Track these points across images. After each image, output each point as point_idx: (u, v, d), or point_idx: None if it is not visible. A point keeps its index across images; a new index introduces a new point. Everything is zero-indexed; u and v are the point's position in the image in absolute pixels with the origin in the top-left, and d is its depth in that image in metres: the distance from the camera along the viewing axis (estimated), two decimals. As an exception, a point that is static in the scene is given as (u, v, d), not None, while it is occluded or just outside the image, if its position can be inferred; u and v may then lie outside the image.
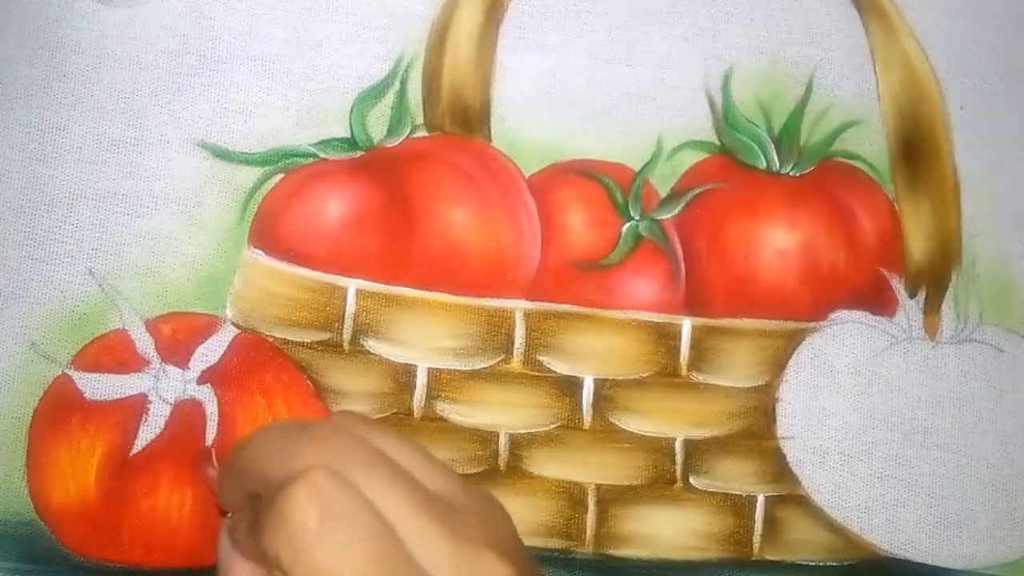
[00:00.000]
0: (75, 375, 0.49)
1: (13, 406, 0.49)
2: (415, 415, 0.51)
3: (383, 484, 0.36)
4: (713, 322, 0.53)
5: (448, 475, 0.39)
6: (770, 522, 0.52)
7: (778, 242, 0.54)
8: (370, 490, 0.35)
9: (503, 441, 0.51)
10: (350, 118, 0.53)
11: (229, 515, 0.40)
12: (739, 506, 0.52)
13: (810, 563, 0.52)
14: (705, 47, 0.56)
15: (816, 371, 0.53)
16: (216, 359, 0.50)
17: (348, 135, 0.53)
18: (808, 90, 0.56)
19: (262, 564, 0.36)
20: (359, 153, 0.53)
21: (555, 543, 0.51)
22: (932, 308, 0.55)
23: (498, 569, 0.36)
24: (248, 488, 0.38)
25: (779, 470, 0.52)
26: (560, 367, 0.52)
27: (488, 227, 0.52)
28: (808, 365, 0.53)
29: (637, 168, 0.54)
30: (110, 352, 0.50)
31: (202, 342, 0.50)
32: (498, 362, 0.51)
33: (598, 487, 0.51)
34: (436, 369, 0.51)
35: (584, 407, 0.52)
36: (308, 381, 0.50)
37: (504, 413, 0.51)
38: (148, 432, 0.49)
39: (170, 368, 0.50)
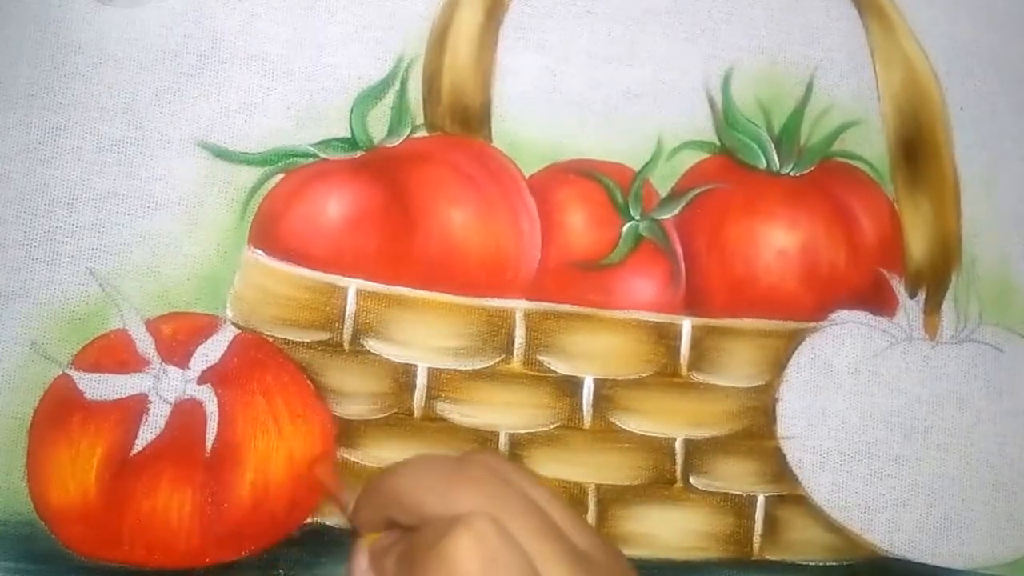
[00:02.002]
0: (75, 375, 0.49)
1: (13, 406, 0.49)
2: (415, 415, 0.51)
3: (536, 535, 0.37)
4: (713, 322, 0.53)
5: (584, 526, 0.40)
6: (770, 522, 0.52)
7: (778, 242, 0.54)
8: (525, 539, 0.36)
9: (503, 441, 0.51)
10: (350, 118, 0.53)
11: (365, 534, 0.42)
12: (739, 506, 0.52)
13: (810, 563, 0.52)
14: (705, 47, 0.56)
15: (816, 371, 0.53)
16: (216, 359, 0.50)
17: (348, 135, 0.53)
18: (808, 90, 0.56)
19: None
20: (359, 153, 0.53)
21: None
22: (932, 308, 0.55)
23: None
24: (392, 515, 0.40)
25: (779, 470, 0.52)
26: (560, 367, 0.52)
27: (488, 227, 0.52)
28: (808, 365, 0.53)
29: (637, 168, 0.54)
30: (110, 352, 0.50)
31: (202, 342, 0.50)
32: (498, 362, 0.51)
33: (598, 487, 0.51)
34: (436, 369, 0.51)
35: (584, 407, 0.52)
36: (308, 381, 0.50)
37: (504, 413, 0.51)
38: (148, 432, 0.49)
39: (170, 368, 0.50)
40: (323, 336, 0.51)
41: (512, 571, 0.36)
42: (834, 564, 0.52)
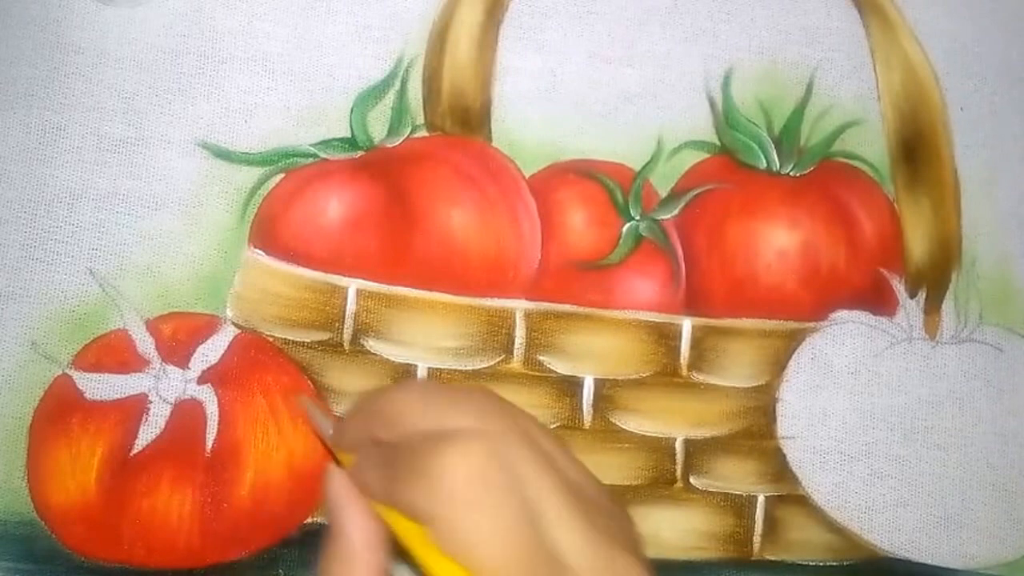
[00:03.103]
0: (75, 375, 0.49)
1: (13, 406, 0.49)
2: (415, 415, 0.51)
3: (535, 466, 0.36)
4: (713, 322, 0.53)
5: (586, 470, 0.39)
6: (770, 522, 0.52)
7: (778, 242, 0.54)
8: (521, 467, 0.35)
9: (503, 441, 0.51)
10: (350, 118, 0.53)
11: (342, 456, 0.40)
12: (739, 506, 0.52)
13: (810, 563, 0.52)
14: (705, 47, 0.56)
15: (816, 371, 0.53)
16: (216, 359, 0.50)
17: (348, 135, 0.53)
18: (808, 90, 0.56)
19: (391, 507, 0.36)
20: (359, 153, 0.53)
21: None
22: (932, 308, 0.55)
23: (630, 566, 0.36)
24: (377, 433, 0.38)
25: (779, 470, 0.52)
26: (560, 367, 0.52)
27: (488, 227, 0.52)
28: (808, 365, 0.53)
29: (637, 168, 0.54)
30: (110, 352, 0.50)
31: (202, 342, 0.50)
32: (498, 362, 0.51)
33: (598, 487, 0.51)
34: (436, 369, 0.51)
35: (584, 407, 0.52)
36: (308, 381, 0.50)
37: (504, 413, 0.51)
38: (148, 432, 0.49)
39: (170, 368, 0.50)
40: (323, 336, 0.51)
41: (499, 491, 0.35)
42: (834, 564, 0.52)
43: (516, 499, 0.35)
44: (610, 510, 0.38)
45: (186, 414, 0.49)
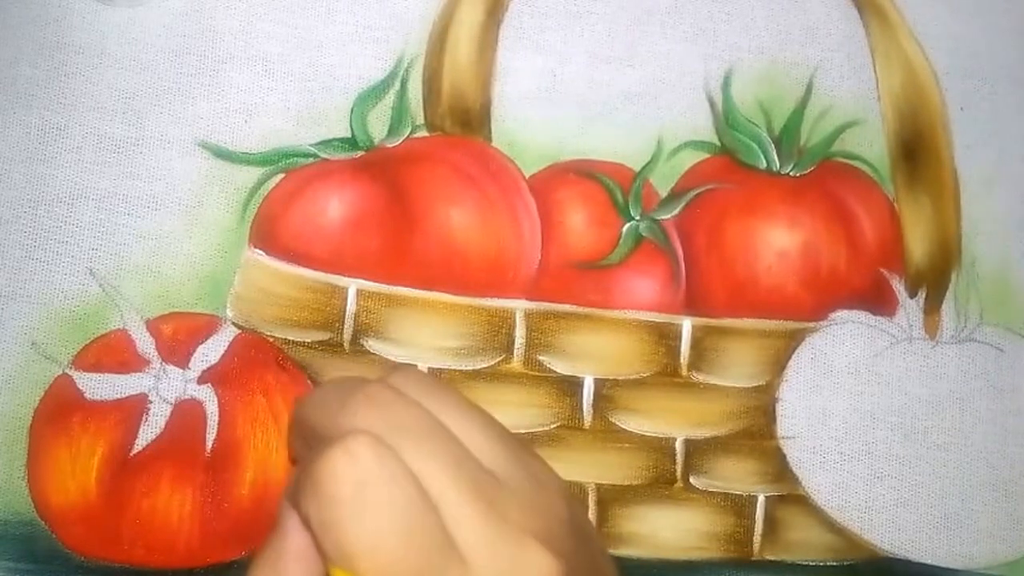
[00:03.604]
0: (75, 375, 0.49)
1: (13, 406, 0.49)
2: (415, 415, 0.51)
3: (430, 456, 0.34)
4: (713, 322, 0.53)
5: (509, 450, 0.37)
6: (770, 522, 0.52)
7: (778, 242, 0.54)
8: (415, 462, 0.34)
9: (503, 441, 0.51)
10: (350, 118, 0.54)
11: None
12: (739, 506, 0.52)
13: (810, 563, 0.52)
14: (705, 47, 0.56)
15: (816, 371, 0.53)
16: (216, 359, 0.50)
17: (348, 135, 0.53)
18: (808, 90, 0.56)
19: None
20: (360, 153, 0.53)
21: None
22: (932, 308, 0.55)
23: (539, 559, 0.34)
24: (307, 440, 0.37)
25: (779, 470, 0.52)
26: (560, 367, 0.52)
27: (488, 227, 0.52)
28: (808, 365, 0.53)
29: (637, 168, 0.54)
30: (110, 352, 0.50)
31: (202, 342, 0.50)
32: (498, 362, 0.51)
33: (598, 487, 0.51)
34: (436, 369, 0.51)
35: (584, 407, 0.52)
36: (308, 381, 0.50)
37: (504, 413, 0.50)
38: (148, 432, 0.49)
39: (170, 368, 0.50)
40: (323, 336, 0.51)
41: (389, 494, 0.33)
42: (834, 564, 0.52)
43: (406, 498, 0.33)
44: (533, 496, 0.36)
45: (186, 414, 0.49)
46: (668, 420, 0.52)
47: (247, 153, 0.53)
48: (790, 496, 0.52)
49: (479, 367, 0.51)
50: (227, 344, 0.50)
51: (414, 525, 0.33)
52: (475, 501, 0.34)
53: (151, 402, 0.49)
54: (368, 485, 0.33)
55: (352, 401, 0.35)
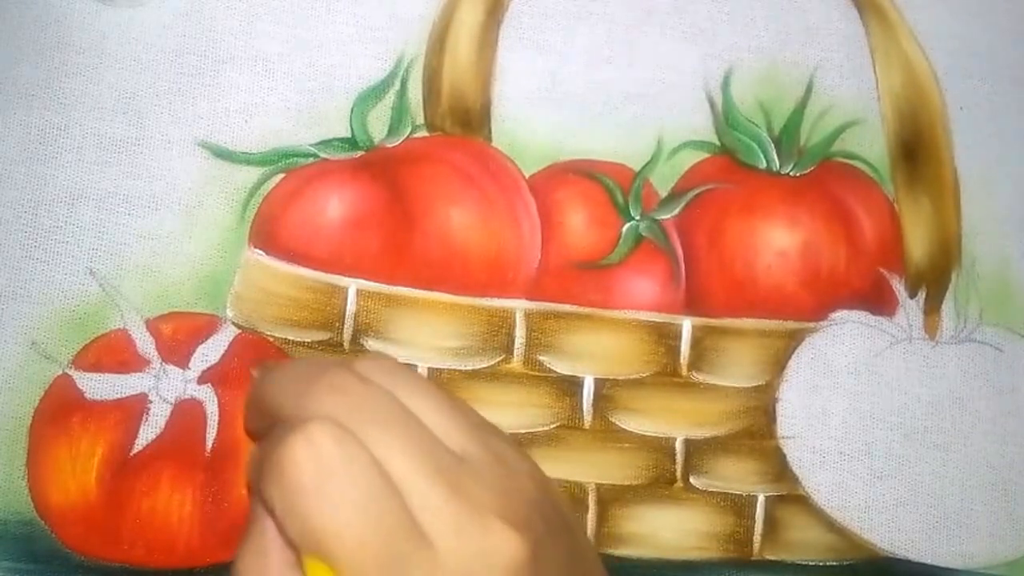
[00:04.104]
0: (75, 375, 0.49)
1: (13, 406, 0.49)
2: (415, 415, 0.51)
3: (393, 441, 0.34)
4: (713, 322, 0.53)
5: (475, 433, 0.37)
6: (770, 522, 0.52)
7: (778, 242, 0.54)
8: (378, 447, 0.34)
9: (503, 441, 0.51)
10: (350, 118, 0.54)
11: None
12: (739, 506, 0.52)
13: (810, 563, 0.52)
14: (705, 47, 0.56)
15: (816, 371, 0.53)
16: (216, 359, 0.50)
17: (348, 135, 0.53)
18: (808, 90, 0.56)
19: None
20: (359, 153, 0.53)
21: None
22: (932, 308, 0.55)
23: (505, 539, 0.34)
24: (264, 418, 0.37)
25: (779, 470, 0.52)
26: (560, 367, 0.52)
27: (488, 227, 0.52)
28: (808, 365, 0.53)
29: (637, 168, 0.54)
30: (110, 352, 0.50)
31: (202, 342, 0.50)
32: (498, 362, 0.51)
33: (598, 487, 0.51)
34: (436, 369, 0.51)
35: (584, 407, 0.52)
36: (308, 381, 0.50)
37: (504, 413, 0.51)
38: (148, 432, 0.49)
39: (170, 368, 0.50)
40: (323, 336, 0.51)
41: (351, 481, 0.33)
42: (834, 564, 0.52)
43: (368, 483, 0.33)
44: (500, 477, 0.36)
45: (186, 414, 0.49)
46: (668, 420, 0.52)
47: (247, 153, 0.53)
48: (790, 496, 0.52)
49: (479, 367, 0.51)
50: (227, 344, 0.50)
51: (378, 510, 0.33)
52: (439, 484, 0.34)
53: (151, 402, 0.49)
54: (330, 472, 0.33)
55: (315, 387, 0.35)
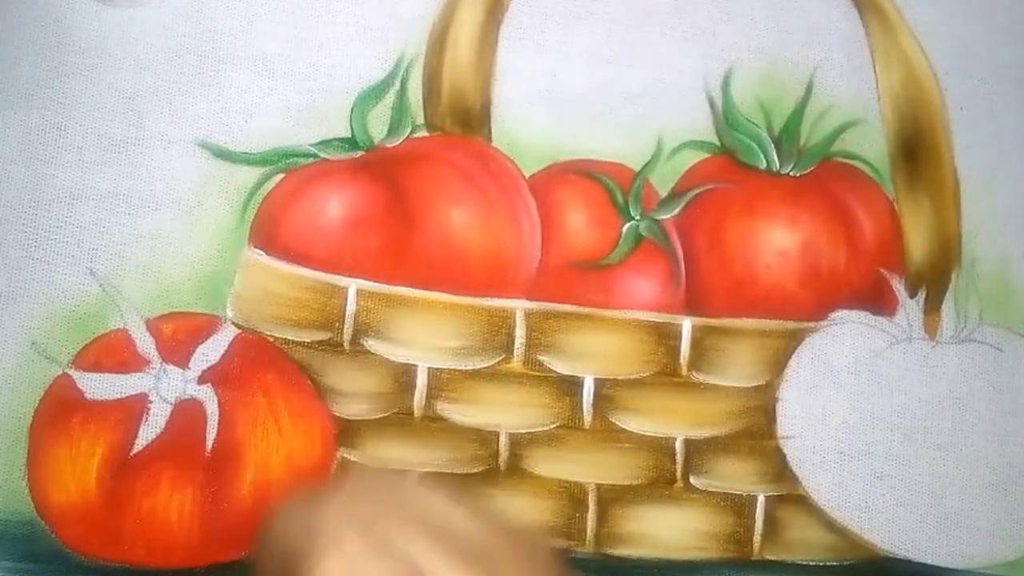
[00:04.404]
0: (75, 375, 0.49)
1: (13, 406, 0.49)
2: (415, 415, 0.51)
3: (416, 536, 0.35)
4: (713, 322, 0.53)
5: (488, 523, 0.38)
6: (770, 522, 0.52)
7: (778, 242, 0.54)
8: (404, 542, 0.35)
9: (503, 441, 0.51)
10: (350, 118, 0.54)
11: None
12: (739, 506, 0.52)
13: (810, 563, 0.52)
14: (705, 47, 0.56)
15: (816, 371, 0.53)
16: (216, 359, 0.50)
17: (348, 135, 0.53)
18: (808, 90, 0.56)
19: None
20: (359, 153, 0.53)
21: (556, 543, 0.51)
22: (932, 308, 0.55)
23: None
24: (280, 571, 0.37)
25: (779, 470, 0.52)
26: (560, 367, 0.52)
27: (488, 227, 0.52)
28: (808, 365, 0.53)
29: (637, 168, 0.54)
30: (110, 352, 0.50)
31: (202, 342, 0.50)
32: (498, 362, 0.51)
33: (598, 487, 0.51)
34: (436, 369, 0.51)
35: (584, 407, 0.52)
36: (308, 381, 0.50)
37: (504, 413, 0.51)
38: (148, 432, 0.49)
39: (170, 368, 0.50)
40: (323, 336, 0.51)
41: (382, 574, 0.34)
42: (834, 564, 0.52)
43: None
44: (528, 564, 0.37)
45: (186, 414, 0.49)
46: (668, 420, 0.52)
47: (247, 153, 0.53)
48: (790, 496, 0.52)
49: (479, 367, 0.51)
50: (227, 344, 0.50)
51: None
52: (467, 573, 0.35)
53: (151, 402, 0.49)
54: (362, 570, 0.34)
55: (321, 508, 0.36)
